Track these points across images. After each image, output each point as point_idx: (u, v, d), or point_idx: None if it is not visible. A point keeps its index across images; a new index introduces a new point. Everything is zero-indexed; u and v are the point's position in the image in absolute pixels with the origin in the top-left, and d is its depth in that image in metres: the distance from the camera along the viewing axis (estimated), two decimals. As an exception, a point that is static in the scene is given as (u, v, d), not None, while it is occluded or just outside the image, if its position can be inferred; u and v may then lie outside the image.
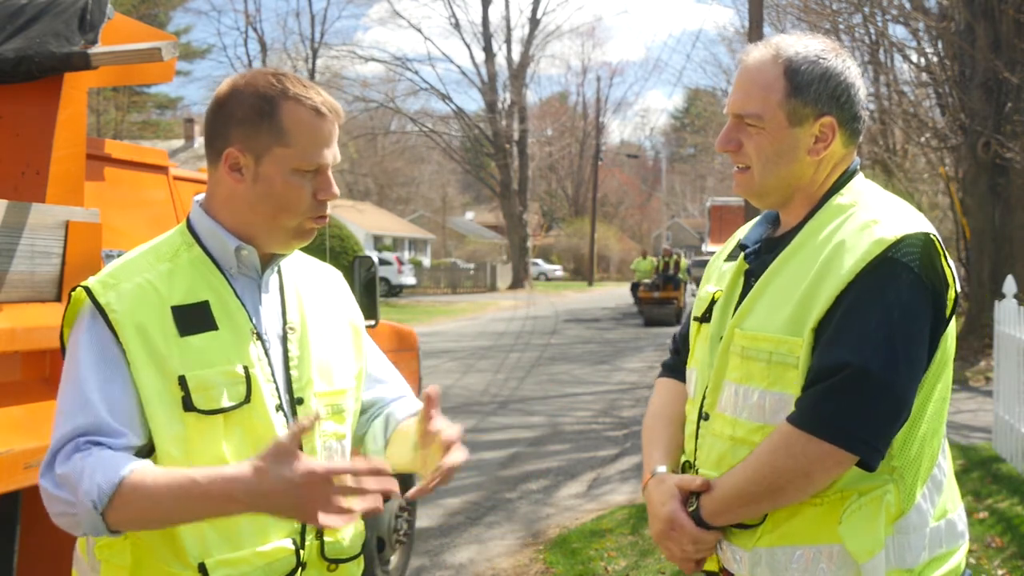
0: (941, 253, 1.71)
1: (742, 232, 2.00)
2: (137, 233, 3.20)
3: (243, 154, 1.70)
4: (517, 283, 43.43)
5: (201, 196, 1.83)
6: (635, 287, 25.82)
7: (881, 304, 1.65)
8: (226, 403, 1.66)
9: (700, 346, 1.94)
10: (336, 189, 1.77)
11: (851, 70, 1.80)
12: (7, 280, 2.50)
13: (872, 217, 1.72)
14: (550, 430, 9.74)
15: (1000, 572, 4.89)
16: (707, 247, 49.64)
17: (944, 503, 1.79)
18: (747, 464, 1.72)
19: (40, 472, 1.61)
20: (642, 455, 2.05)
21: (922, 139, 16.70)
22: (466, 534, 6.10)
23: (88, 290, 1.67)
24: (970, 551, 5.16)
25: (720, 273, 1.97)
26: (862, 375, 1.63)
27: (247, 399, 1.68)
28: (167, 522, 1.60)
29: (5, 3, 2.99)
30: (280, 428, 1.71)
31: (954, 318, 1.77)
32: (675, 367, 2.11)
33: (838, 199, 1.80)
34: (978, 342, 13.61)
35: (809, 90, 1.76)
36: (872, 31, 17.42)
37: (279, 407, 1.72)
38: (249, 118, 1.70)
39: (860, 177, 1.86)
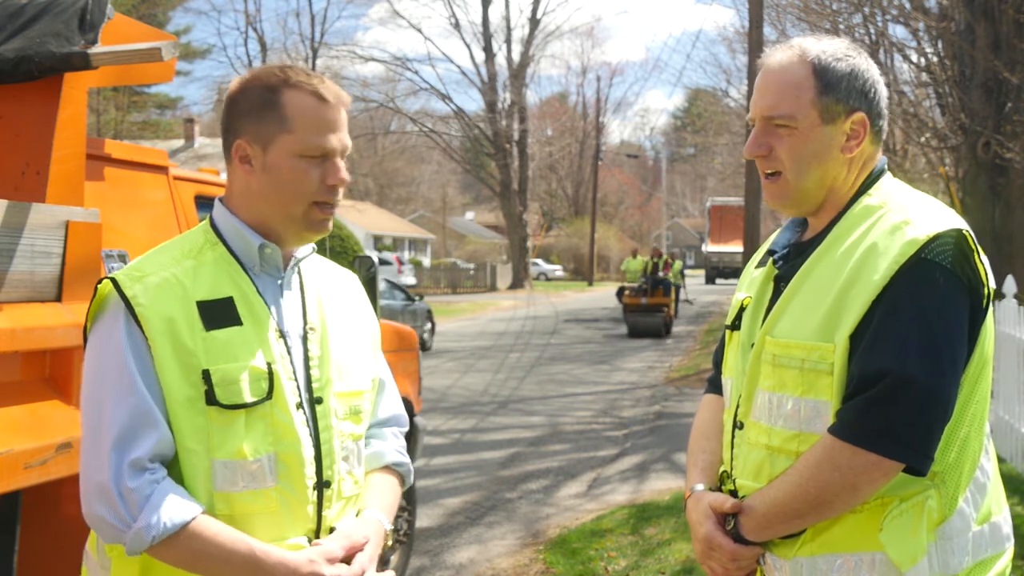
0: (975, 249, 1.68)
1: (772, 238, 1.97)
2: (137, 233, 3.20)
3: (251, 145, 1.74)
4: (517, 283, 43.41)
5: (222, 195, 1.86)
6: (621, 291, 21.70)
7: (918, 307, 1.62)
8: (248, 398, 1.68)
9: (732, 354, 1.92)
10: (345, 174, 1.79)
11: (874, 68, 1.80)
12: (7, 280, 2.50)
13: (903, 218, 1.69)
14: (550, 430, 9.74)
15: (1000, 572, 4.88)
16: (707, 247, 49.64)
17: (988, 506, 1.75)
18: (788, 479, 1.69)
19: (101, 467, 1.60)
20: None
21: (922, 139, 16.68)
22: (466, 534, 6.10)
23: (115, 282, 1.68)
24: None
25: (751, 280, 1.95)
26: (905, 382, 1.60)
27: (269, 395, 1.70)
28: (203, 572, 1.64)
29: (5, 3, 2.99)
30: (300, 426, 1.72)
31: (991, 317, 1.74)
32: (716, 382, 2.09)
33: (866, 200, 1.77)
34: (978, 342, 13.57)
35: (840, 87, 1.75)
36: (872, 31, 17.41)
37: (299, 405, 1.74)
38: (255, 109, 1.74)
39: (888, 177, 1.83)
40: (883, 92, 1.80)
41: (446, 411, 10.71)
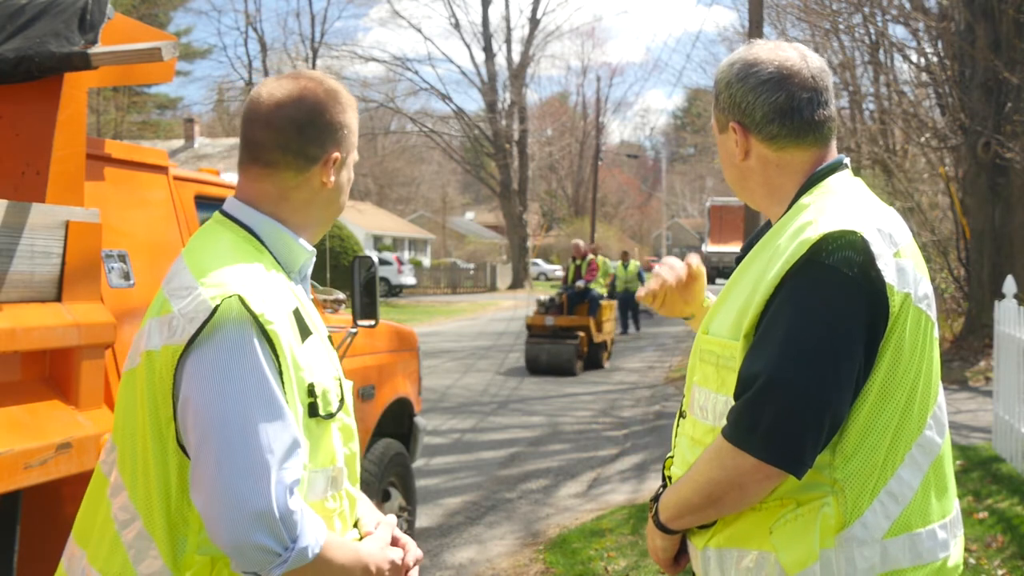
0: (872, 251, 1.62)
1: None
2: (137, 233, 3.20)
3: (342, 157, 1.79)
4: (517, 283, 43.41)
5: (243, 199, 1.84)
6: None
7: (797, 309, 1.61)
8: (335, 407, 1.72)
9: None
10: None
11: (753, 78, 1.78)
12: (7, 280, 2.50)
13: (811, 218, 1.68)
14: (550, 430, 9.74)
15: (1000, 572, 4.89)
16: (707, 247, 49.59)
17: (907, 518, 1.68)
18: (689, 475, 1.76)
19: (262, 493, 1.52)
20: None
21: (922, 139, 16.69)
22: (466, 534, 6.11)
23: (241, 299, 1.59)
24: (970, 551, 5.15)
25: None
26: (773, 384, 1.59)
27: (343, 400, 1.75)
28: None
29: (5, 3, 2.99)
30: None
31: (933, 323, 1.71)
32: None
33: (803, 199, 1.77)
34: (978, 342, 13.59)
35: (719, 100, 1.87)
36: (872, 31, 17.42)
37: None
38: (344, 123, 1.79)
39: (835, 177, 1.80)
40: (766, 100, 1.77)
41: (446, 411, 10.71)
